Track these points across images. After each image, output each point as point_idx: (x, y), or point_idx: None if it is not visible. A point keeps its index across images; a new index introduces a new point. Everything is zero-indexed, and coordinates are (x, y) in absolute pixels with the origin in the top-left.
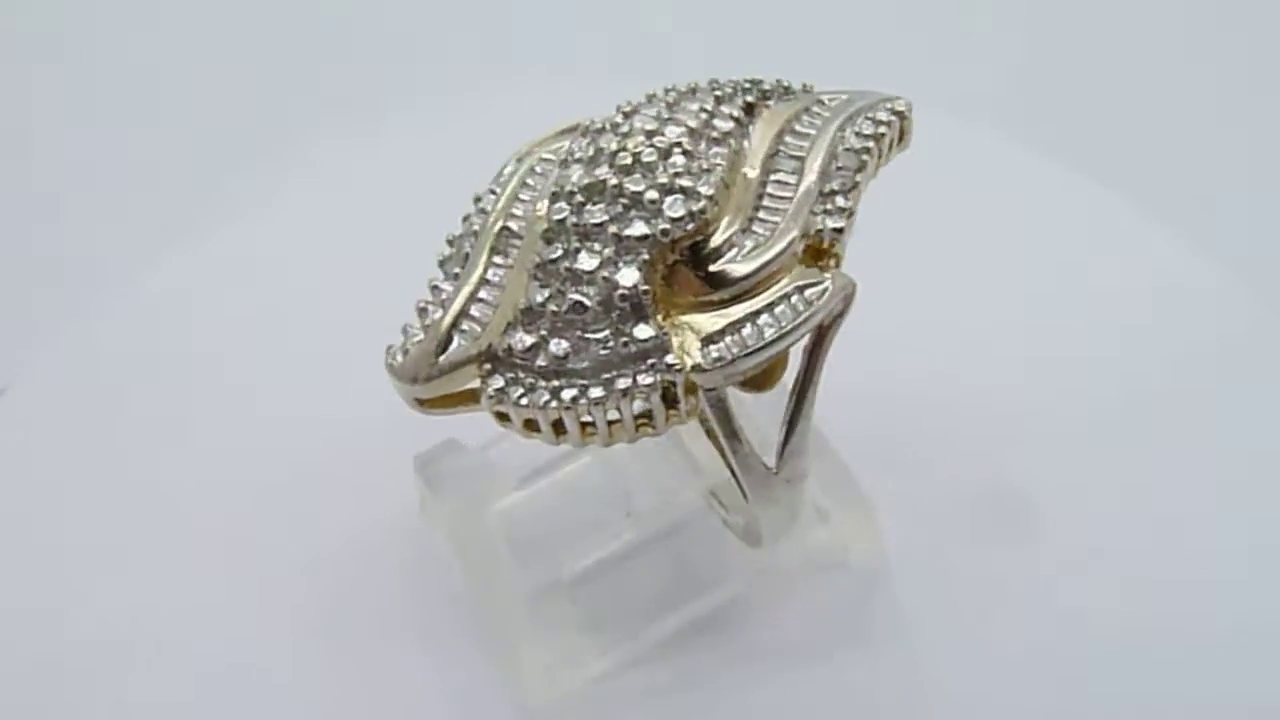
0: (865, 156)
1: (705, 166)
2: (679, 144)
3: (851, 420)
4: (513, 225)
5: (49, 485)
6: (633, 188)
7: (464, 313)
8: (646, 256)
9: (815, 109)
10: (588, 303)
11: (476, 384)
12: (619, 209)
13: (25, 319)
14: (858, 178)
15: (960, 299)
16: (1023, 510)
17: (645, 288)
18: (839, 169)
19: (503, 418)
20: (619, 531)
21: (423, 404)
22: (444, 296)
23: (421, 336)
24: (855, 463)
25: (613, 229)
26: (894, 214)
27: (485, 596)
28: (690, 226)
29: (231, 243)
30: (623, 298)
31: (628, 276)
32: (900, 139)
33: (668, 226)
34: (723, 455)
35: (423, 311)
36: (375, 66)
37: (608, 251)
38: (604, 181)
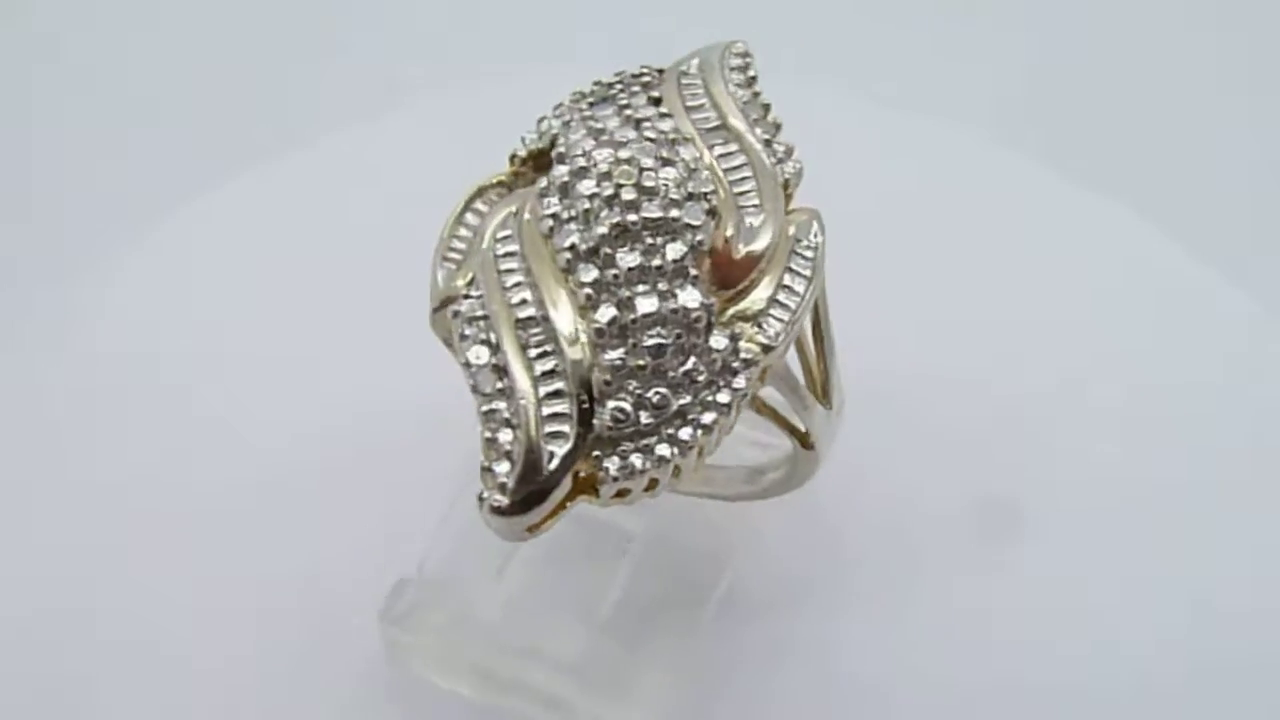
0: (762, 100)
1: (690, 166)
2: (658, 157)
3: (848, 419)
4: (523, 313)
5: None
6: (652, 216)
7: (541, 419)
8: (695, 272)
9: (685, 80)
10: (666, 342)
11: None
12: (646, 243)
13: (22, 317)
14: (772, 118)
15: (958, 300)
16: (1017, 510)
17: (709, 301)
18: (755, 120)
19: (622, 494)
20: (619, 562)
21: (532, 529)
22: (506, 415)
23: (508, 465)
24: (853, 462)
25: (655, 263)
26: (891, 216)
27: (524, 690)
28: (713, 225)
29: (230, 242)
30: (696, 320)
31: (690, 299)
32: None
33: (700, 236)
34: (783, 422)
35: (491, 442)
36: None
37: (660, 285)
38: (620, 224)
